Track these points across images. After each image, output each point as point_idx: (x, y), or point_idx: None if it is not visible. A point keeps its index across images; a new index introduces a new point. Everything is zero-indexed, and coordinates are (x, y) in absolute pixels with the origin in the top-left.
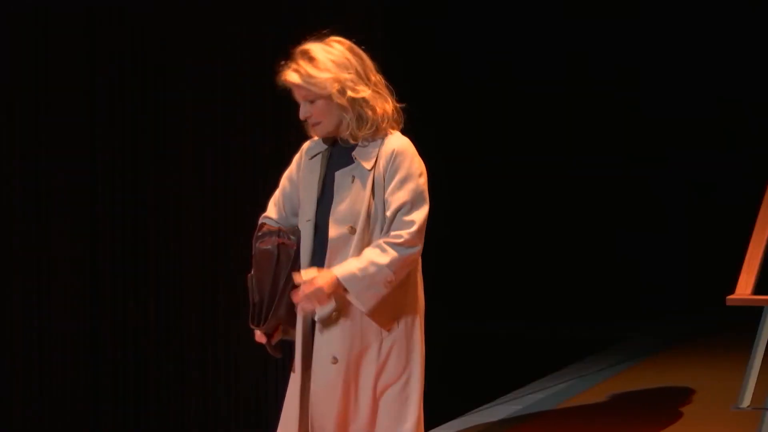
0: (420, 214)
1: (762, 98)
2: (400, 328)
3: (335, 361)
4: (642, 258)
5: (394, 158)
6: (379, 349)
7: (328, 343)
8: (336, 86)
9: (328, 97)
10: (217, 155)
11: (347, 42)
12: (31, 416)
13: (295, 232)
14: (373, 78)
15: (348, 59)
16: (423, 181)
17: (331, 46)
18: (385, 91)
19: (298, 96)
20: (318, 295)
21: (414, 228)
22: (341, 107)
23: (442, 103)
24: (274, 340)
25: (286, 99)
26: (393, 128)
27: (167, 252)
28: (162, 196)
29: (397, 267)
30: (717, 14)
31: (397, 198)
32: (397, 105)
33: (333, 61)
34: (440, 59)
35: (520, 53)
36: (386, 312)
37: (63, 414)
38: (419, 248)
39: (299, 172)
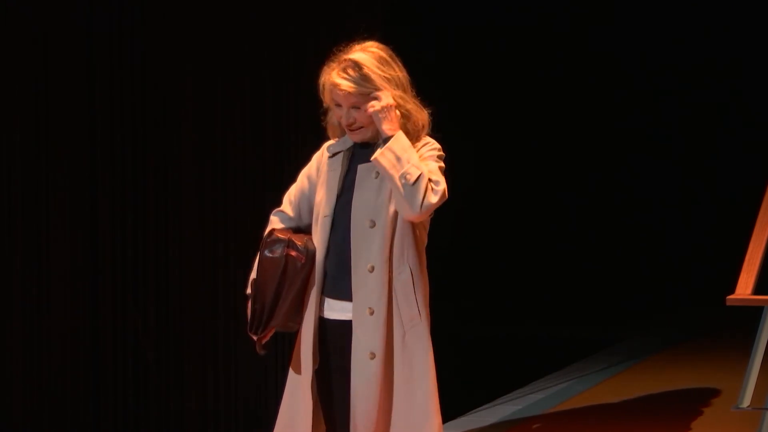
0: (443, 184)
1: (762, 97)
2: (422, 321)
3: (373, 356)
4: (642, 258)
5: (419, 148)
6: (403, 342)
7: (364, 340)
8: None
9: None
10: (218, 156)
11: (387, 49)
12: (31, 416)
13: (305, 242)
14: (410, 89)
15: (398, 75)
16: (442, 164)
17: (378, 60)
18: (417, 100)
19: (344, 102)
20: (390, 113)
21: (440, 192)
22: None
23: (441, 103)
24: (264, 340)
25: (286, 102)
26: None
27: (167, 252)
28: (162, 196)
29: (423, 199)
30: (716, 12)
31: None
32: (427, 111)
33: (385, 78)
34: (441, 58)
35: (521, 53)
36: (412, 305)
37: (63, 414)
38: (439, 202)
39: (319, 170)
